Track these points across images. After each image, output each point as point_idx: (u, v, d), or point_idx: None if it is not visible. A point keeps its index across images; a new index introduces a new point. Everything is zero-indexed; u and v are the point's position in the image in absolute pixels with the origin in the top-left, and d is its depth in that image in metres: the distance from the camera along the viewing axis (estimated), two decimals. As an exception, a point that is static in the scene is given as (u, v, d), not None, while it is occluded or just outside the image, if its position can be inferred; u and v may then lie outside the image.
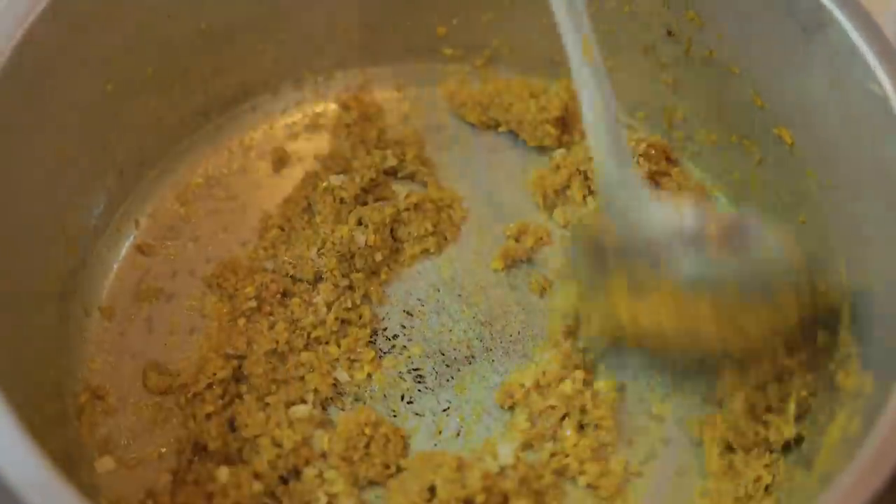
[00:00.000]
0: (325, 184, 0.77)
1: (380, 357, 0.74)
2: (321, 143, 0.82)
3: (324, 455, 0.70)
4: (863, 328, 0.66)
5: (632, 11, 0.77)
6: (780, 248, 0.66)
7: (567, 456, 0.70)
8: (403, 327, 0.75)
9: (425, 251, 0.78)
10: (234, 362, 0.72)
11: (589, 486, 0.70)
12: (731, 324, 0.66)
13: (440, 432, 0.72)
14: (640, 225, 0.67)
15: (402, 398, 0.73)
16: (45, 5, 0.65)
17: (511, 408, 0.72)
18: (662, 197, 0.69)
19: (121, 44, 0.71)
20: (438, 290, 0.77)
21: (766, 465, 0.69)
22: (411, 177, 0.81)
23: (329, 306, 0.74)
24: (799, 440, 0.69)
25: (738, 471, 0.69)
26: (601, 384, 0.72)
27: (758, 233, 0.66)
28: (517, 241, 0.78)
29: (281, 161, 0.81)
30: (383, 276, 0.77)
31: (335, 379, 0.73)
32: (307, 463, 0.69)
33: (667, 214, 0.67)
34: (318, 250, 0.75)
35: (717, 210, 0.77)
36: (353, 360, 0.74)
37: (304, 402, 0.71)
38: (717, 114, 0.77)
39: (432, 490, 0.66)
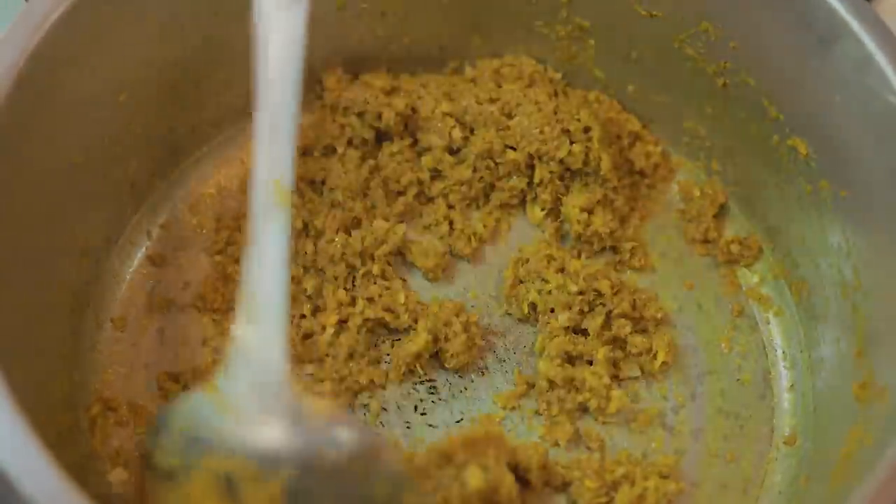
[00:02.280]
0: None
1: (394, 368, 0.74)
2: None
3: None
4: (877, 339, 0.66)
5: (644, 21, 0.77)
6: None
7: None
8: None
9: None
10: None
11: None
12: None
13: (453, 444, 0.72)
14: (264, 414, 0.60)
15: (416, 409, 0.72)
16: (58, 16, 0.65)
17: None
18: (304, 398, 0.60)
19: (134, 55, 0.71)
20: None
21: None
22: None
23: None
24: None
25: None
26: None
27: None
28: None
29: (293, 172, 0.81)
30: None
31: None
32: None
33: (303, 415, 0.59)
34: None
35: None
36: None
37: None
38: (731, 125, 0.77)
39: None
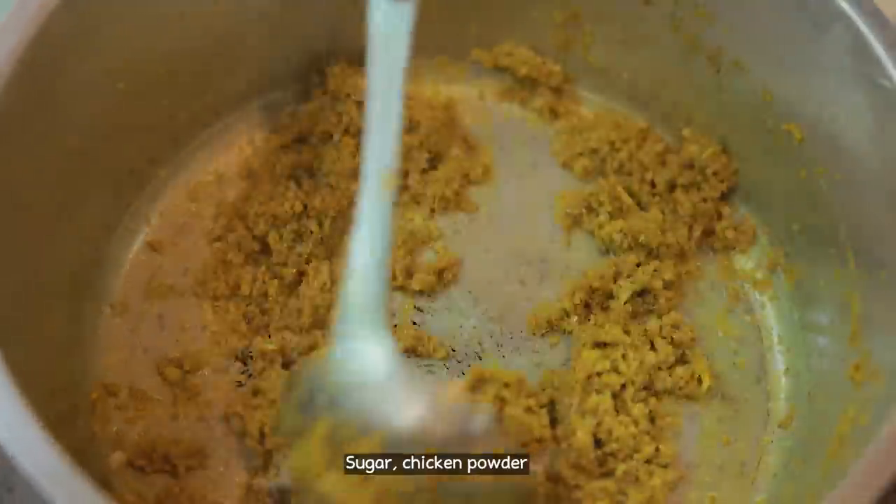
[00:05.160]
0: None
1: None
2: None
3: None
4: (872, 322, 0.67)
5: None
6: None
7: None
8: (414, 324, 0.76)
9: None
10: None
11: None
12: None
13: (452, 428, 0.72)
14: (367, 374, 0.64)
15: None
16: (57, 3, 0.65)
17: None
18: (407, 364, 0.66)
19: (133, 43, 0.71)
20: (448, 287, 0.77)
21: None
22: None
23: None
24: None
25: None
26: None
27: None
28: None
29: (291, 159, 0.81)
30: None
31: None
32: None
33: (403, 377, 0.64)
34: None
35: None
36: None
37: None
38: (725, 110, 0.77)
39: None
